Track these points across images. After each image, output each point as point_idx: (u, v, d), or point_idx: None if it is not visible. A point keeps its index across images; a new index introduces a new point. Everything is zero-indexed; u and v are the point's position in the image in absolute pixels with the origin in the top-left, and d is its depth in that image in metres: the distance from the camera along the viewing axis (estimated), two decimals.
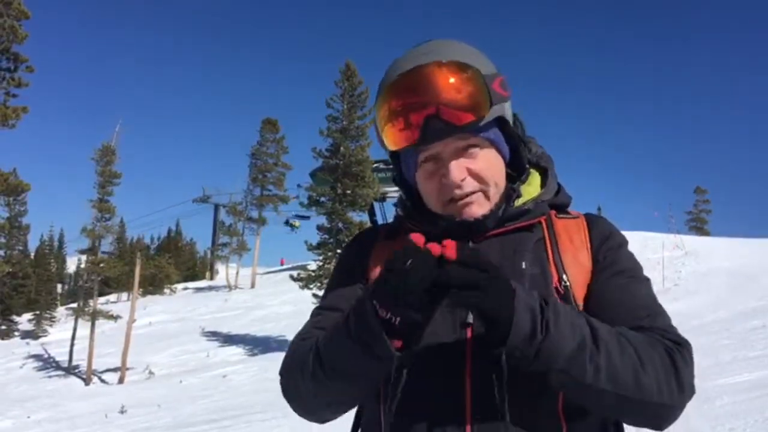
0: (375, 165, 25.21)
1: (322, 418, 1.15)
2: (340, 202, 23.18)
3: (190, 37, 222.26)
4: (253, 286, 41.39)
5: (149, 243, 69.70)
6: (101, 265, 26.51)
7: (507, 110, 1.12)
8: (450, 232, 1.08)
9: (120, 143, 28.43)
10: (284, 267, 51.54)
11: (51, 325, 38.68)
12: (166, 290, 46.73)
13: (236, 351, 23.82)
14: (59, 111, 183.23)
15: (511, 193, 1.14)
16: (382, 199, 27.35)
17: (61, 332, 35.06)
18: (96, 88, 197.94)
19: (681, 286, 21.42)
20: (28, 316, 38.96)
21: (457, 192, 1.08)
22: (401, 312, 0.91)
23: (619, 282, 1.11)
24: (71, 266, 62.91)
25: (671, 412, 1.00)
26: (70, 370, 25.53)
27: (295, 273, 24.83)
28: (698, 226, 49.35)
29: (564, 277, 1.09)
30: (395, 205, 1.29)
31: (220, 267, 50.92)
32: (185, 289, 48.17)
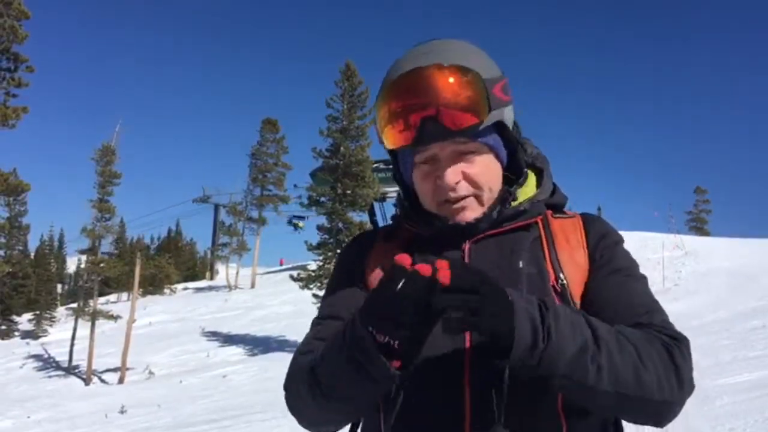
0: (375, 165, 25.22)
1: (327, 431, 1.16)
2: (340, 202, 23.18)
3: (190, 37, 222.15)
4: (253, 286, 41.41)
5: (149, 243, 69.80)
6: (101, 265, 26.52)
7: (507, 115, 1.12)
8: (444, 234, 1.10)
9: (120, 143, 28.50)
10: (284, 267, 51.57)
11: (51, 325, 38.69)
12: (166, 290, 46.73)
13: (236, 351, 23.83)
14: (59, 111, 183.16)
15: (507, 195, 1.14)
16: (382, 199, 27.33)
17: (61, 332, 35.07)
18: (96, 88, 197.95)
19: (681, 286, 21.45)
20: (28, 316, 38.97)
21: (452, 195, 1.09)
22: (399, 335, 0.89)
23: (615, 280, 1.12)
24: (71, 266, 62.92)
25: (672, 409, 1.00)
26: (70, 370, 25.53)
27: (295, 273, 24.84)
28: (698, 226, 49.35)
29: (561, 275, 1.10)
30: (395, 204, 1.30)
31: (220, 267, 50.94)
32: (185, 289, 48.18)
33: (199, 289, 46.15)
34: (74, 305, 30.11)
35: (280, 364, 18.23)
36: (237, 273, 43.58)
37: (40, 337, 36.44)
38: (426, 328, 0.90)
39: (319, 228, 23.36)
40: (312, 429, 1.15)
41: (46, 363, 27.71)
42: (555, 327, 0.91)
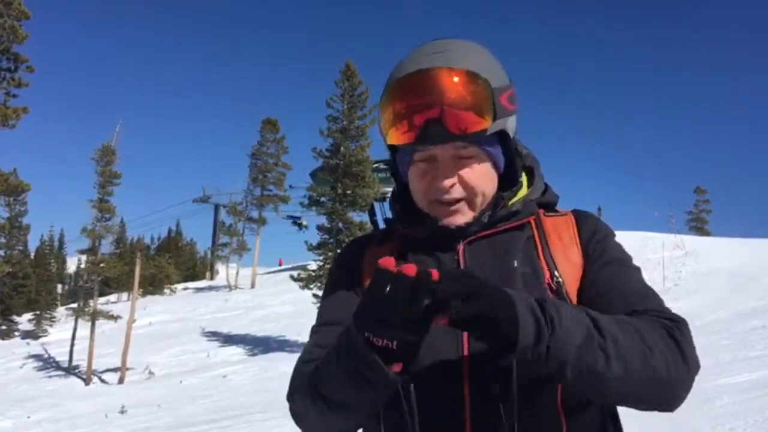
0: (375, 165, 25.22)
1: None
2: (341, 202, 23.19)
3: (190, 37, 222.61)
4: (253, 286, 41.40)
5: (149, 243, 69.81)
6: (101, 265, 26.50)
7: (510, 124, 1.12)
8: (436, 235, 1.12)
9: (120, 143, 28.45)
10: (284, 267, 51.57)
11: (51, 325, 38.67)
12: (166, 290, 46.71)
13: (236, 351, 23.82)
14: (59, 111, 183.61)
15: (499, 201, 1.15)
16: (383, 199, 26.87)
17: (61, 332, 35.06)
18: (96, 88, 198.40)
19: (681, 286, 21.45)
20: (28, 316, 38.95)
21: (445, 197, 1.10)
22: (397, 336, 0.89)
23: (609, 271, 1.12)
24: (71, 266, 62.96)
25: (682, 390, 1.00)
26: (70, 370, 25.52)
27: (295, 273, 24.85)
28: (698, 226, 49.33)
29: (556, 273, 1.10)
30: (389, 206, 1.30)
31: (220, 267, 50.93)
32: (185, 289, 48.17)
33: (199, 289, 46.13)
34: (74, 305, 30.08)
35: (280, 364, 18.25)
36: (237, 273, 43.55)
37: (40, 337, 36.43)
38: (421, 327, 0.89)
39: (320, 228, 23.38)
40: None
41: (46, 363, 27.70)
42: (557, 318, 0.91)
